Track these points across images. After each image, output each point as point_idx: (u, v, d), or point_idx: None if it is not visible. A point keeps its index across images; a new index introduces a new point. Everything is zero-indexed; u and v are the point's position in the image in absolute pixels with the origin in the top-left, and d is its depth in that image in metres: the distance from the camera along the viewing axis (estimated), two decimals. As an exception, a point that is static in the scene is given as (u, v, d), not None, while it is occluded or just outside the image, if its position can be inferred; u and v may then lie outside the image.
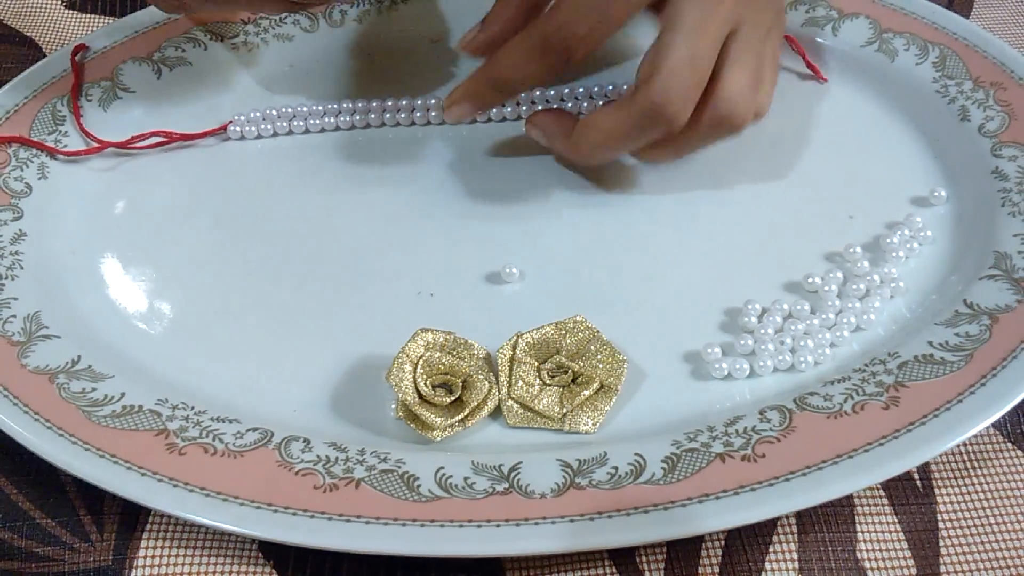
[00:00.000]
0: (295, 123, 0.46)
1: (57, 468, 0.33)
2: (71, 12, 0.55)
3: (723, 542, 0.33)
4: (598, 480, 0.32)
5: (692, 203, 0.43)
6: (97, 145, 0.45)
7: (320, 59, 0.50)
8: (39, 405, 0.34)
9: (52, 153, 0.44)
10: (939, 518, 0.34)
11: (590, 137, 0.39)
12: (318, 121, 0.47)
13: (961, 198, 0.43)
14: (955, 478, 0.35)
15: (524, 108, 0.47)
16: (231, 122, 0.46)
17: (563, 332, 0.36)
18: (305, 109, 0.47)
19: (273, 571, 0.32)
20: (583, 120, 0.40)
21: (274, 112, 0.46)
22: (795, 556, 0.33)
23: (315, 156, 0.46)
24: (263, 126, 0.46)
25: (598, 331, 0.36)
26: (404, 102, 0.47)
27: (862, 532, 0.33)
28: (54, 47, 0.52)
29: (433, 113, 0.47)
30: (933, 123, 0.46)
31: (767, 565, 0.32)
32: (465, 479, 0.32)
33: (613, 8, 0.37)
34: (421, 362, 0.35)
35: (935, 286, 0.39)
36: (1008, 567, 0.32)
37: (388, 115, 0.47)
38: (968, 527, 0.33)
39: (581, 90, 0.48)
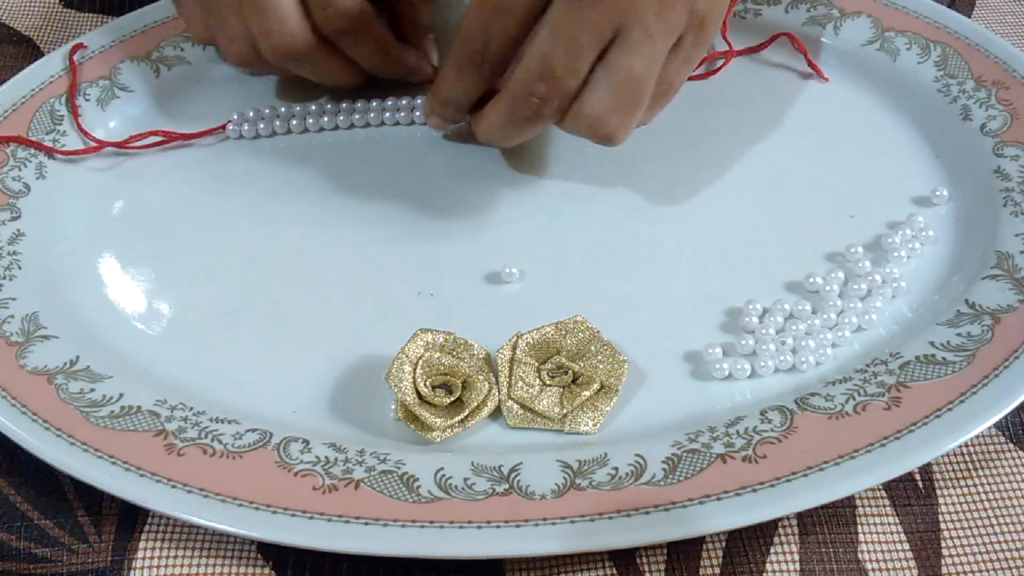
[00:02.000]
0: (293, 123, 0.46)
1: (55, 469, 0.33)
2: (69, 11, 0.55)
3: (724, 543, 0.33)
4: (598, 481, 0.32)
5: (693, 203, 0.43)
6: (95, 145, 0.44)
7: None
8: (37, 406, 0.34)
9: (50, 153, 0.44)
10: (941, 519, 0.34)
11: (484, 123, 0.40)
12: (317, 121, 0.46)
13: (963, 198, 0.42)
14: (957, 479, 0.35)
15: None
16: (230, 122, 0.46)
17: (563, 332, 0.36)
18: (304, 109, 0.47)
19: (272, 572, 0.32)
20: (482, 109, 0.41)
21: (273, 112, 0.46)
22: (796, 557, 0.32)
23: (314, 156, 0.46)
24: (261, 126, 0.46)
25: (598, 331, 0.36)
26: (404, 101, 0.47)
27: (863, 533, 0.33)
28: (52, 46, 0.52)
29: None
30: (935, 122, 0.46)
31: (768, 566, 0.32)
32: (465, 480, 0.32)
33: (502, 23, 0.37)
34: (421, 362, 0.35)
35: (937, 286, 0.39)
36: (1010, 568, 0.32)
37: (388, 114, 0.47)
38: (970, 528, 0.33)
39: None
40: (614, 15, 0.35)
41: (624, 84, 0.37)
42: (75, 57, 0.47)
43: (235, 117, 0.46)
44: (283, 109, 0.46)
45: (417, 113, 0.47)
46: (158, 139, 0.45)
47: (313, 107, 0.47)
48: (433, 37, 0.48)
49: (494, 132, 0.40)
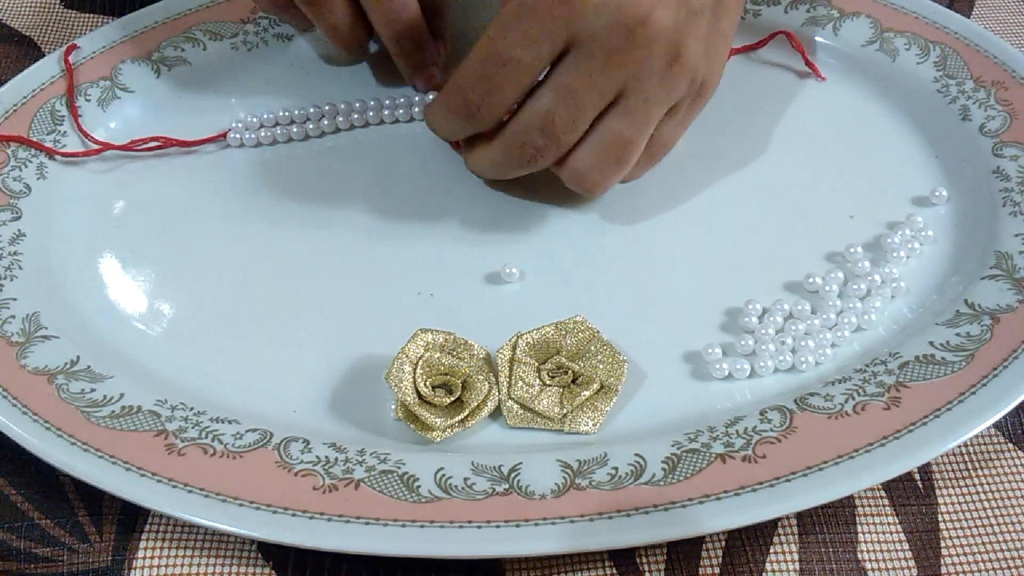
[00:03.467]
0: (294, 130, 0.46)
1: (56, 469, 0.33)
2: (70, 11, 0.55)
3: (724, 543, 0.33)
4: (598, 481, 0.32)
5: (692, 203, 0.43)
6: (97, 148, 0.44)
7: (319, 58, 0.50)
8: (38, 406, 0.34)
9: (51, 154, 0.44)
10: (940, 519, 0.34)
11: (475, 158, 0.40)
12: (316, 125, 0.46)
13: (962, 198, 0.42)
14: (956, 478, 0.35)
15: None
16: (231, 129, 0.46)
17: (563, 332, 0.36)
18: (303, 112, 0.46)
19: (272, 572, 0.32)
20: (475, 142, 0.40)
21: (273, 117, 0.46)
22: (796, 557, 0.32)
23: (314, 156, 0.46)
24: (263, 133, 0.46)
25: (598, 331, 0.36)
26: (402, 99, 0.47)
27: (863, 533, 0.33)
28: (52, 46, 0.52)
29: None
30: (934, 123, 0.46)
31: (768, 566, 0.32)
32: (465, 480, 0.32)
33: (511, 78, 0.36)
34: (421, 362, 0.35)
35: (936, 286, 0.39)
36: (1009, 567, 0.32)
37: (387, 112, 0.47)
38: (969, 528, 0.33)
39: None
40: (620, 80, 0.36)
41: (612, 147, 0.37)
42: (73, 58, 0.47)
43: (235, 124, 0.46)
44: (281, 113, 0.46)
45: (416, 110, 0.47)
46: (159, 144, 0.45)
47: (312, 110, 0.47)
48: (444, 49, 0.48)
49: (483, 168, 0.40)
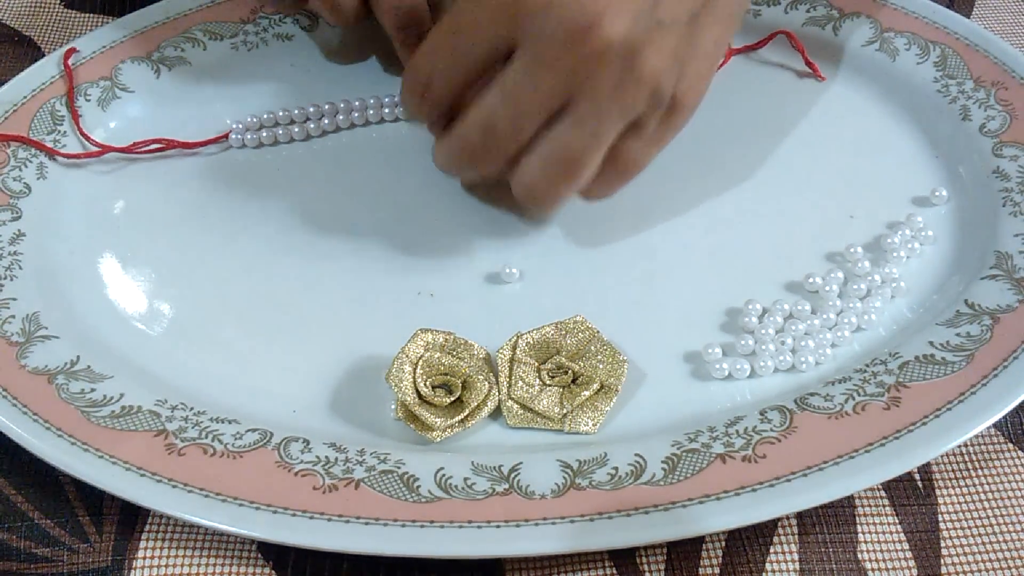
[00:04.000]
0: (295, 130, 0.46)
1: (56, 469, 0.33)
2: (70, 11, 0.55)
3: (724, 543, 0.33)
4: (598, 481, 0.32)
5: (692, 203, 0.43)
6: (97, 150, 0.44)
7: (320, 58, 0.50)
8: (38, 406, 0.34)
9: (52, 155, 0.44)
10: (940, 519, 0.34)
11: (436, 156, 0.40)
12: (317, 124, 0.46)
13: (962, 198, 0.42)
14: (956, 478, 0.35)
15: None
16: (231, 130, 0.46)
17: (563, 332, 0.36)
18: (303, 112, 0.46)
19: (272, 572, 0.32)
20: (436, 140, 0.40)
21: (272, 117, 0.46)
22: (796, 557, 0.32)
23: (314, 156, 0.46)
24: (263, 133, 0.46)
25: (598, 331, 0.36)
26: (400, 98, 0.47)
27: (863, 533, 0.33)
28: (52, 46, 0.52)
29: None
30: (934, 123, 0.46)
31: (768, 566, 0.32)
32: (465, 480, 0.32)
33: (452, 64, 0.36)
34: (421, 362, 0.35)
35: (936, 286, 0.39)
36: (1009, 568, 0.32)
37: (387, 111, 0.47)
38: (969, 528, 0.33)
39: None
40: (566, 85, 0.34)
41: (560, 158, 0.35)
42: (73, 58, 0.47)
43: (235, 126, 0.46)
44: (281, 113, 0.46)
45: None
46: (160, 146, 0.45)
47: (312, 110, 0.47)
48: None
49: (439, 162, 0.40)
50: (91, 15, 0.54)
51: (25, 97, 0.45)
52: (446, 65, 0.36)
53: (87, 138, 0.45)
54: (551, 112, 0.35)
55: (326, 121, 0.47)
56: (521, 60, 0.34)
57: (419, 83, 0.37)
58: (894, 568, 0.32)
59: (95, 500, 0.34)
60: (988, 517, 0.34)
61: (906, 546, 0.33)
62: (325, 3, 0.44)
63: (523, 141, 0.36)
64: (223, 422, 0.34)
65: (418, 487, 0.32)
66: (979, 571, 0.32)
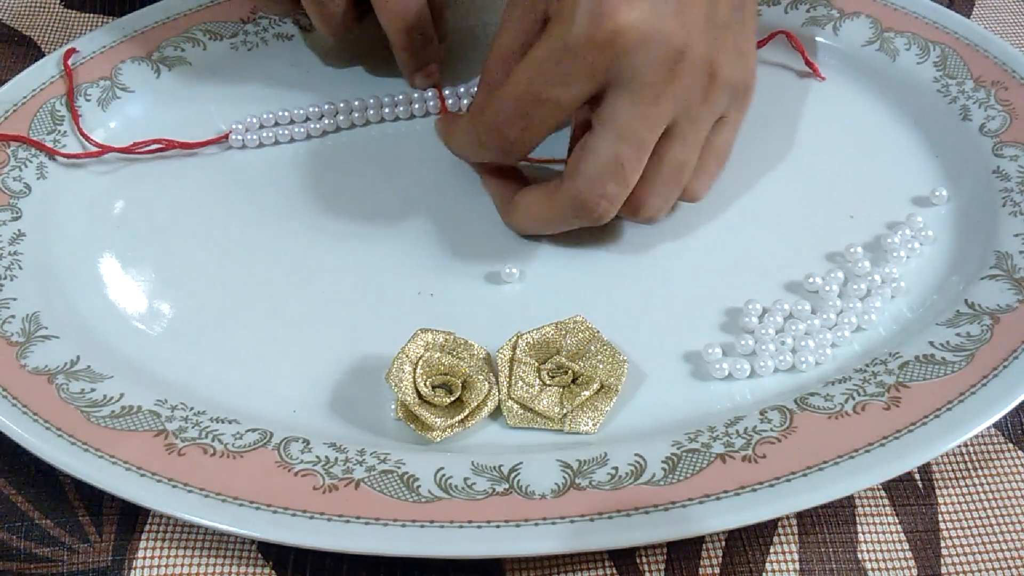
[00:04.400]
0: (296, 130, 0.46)
1: (56, 469, 0.33)
2: (70, 11, 0.55)
3: (724, 543, 0.33)
4: (598, 481, 0.32)
5: (692, 203, 0.43)
6: (97, 150, 0.44)
7: (320, 58, 0.50)
8: (38, 406, 0.34)
9: (52, 155, 0.44)
10: (940, 519, 0.34)
11: (520, 216, 0.40)
12: (317, 124, 0.46)
13: (962, 198, 0.42)
14: (956, 478, 0.35)
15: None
16: (232, 131, 0.46)
17: (563, 332, 0.36)
18: (303, 112, 0.47)
19: (272, 572, 0.32)
20: (516, 198, 0.40)
21: (273, 117, 0.46)
22: (796, 557, 0.32)
23: (314, 156, 0.46)
24: (263, 132, 0.46)
25: (598, 331, 0.36)
26: (401, 97, 0.47)
27: (863, 533, 0.33)
28: (52, 46, 0.52)
29: (431, 103, 0.47)
30: (934, 123, 0.46)
31: (768, 566, 0.32)
32: (465, 480, 0.32)
33: (546, 116, 0.36)
34: (421, 362, 0.35)
35: (936, 286, 0.39)
36: (1009, 568, 0.32)
37: (387, 111, 0.47)
38: (969, 528, 0.33)
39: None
40: (670, 110, 0.36)
41: (670, 174, 0.37)
42: (73, 58, 0.47)
43: (236, 126, 0.46)
44: (282, 113, 0.46)
45: (416, 107, 0.47)
46: (160, 146, 0.45)
47: (312, 110, 0.47)
48: (442, 48, 0.48)
49: (532, 224, 0.40)
50: (91, 15, 0.54)
51: (25, 97, 0.45)
52: (539, 117, 0.36)
53: (87, 138, 0.45)
54: (657, 140, 0.37)
55: (326, 121, 0.47)
56: (625, 97, 0.35)
57: (505, 138, 0.37)
58: (894, 568, 0.32)
59: (95, 500, 0.34)
60: (988, 517, 0.34)
61: (906, 546, 0.33)
62: (315, 10, 0.44)
63: (641, 172, 0.37)
64: (223, 422, 0.34)
65: (418, 487, 0.32)
66: (979, 571, 0.32)
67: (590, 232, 0.42)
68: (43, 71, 0.47)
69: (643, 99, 0.35)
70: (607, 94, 0.36)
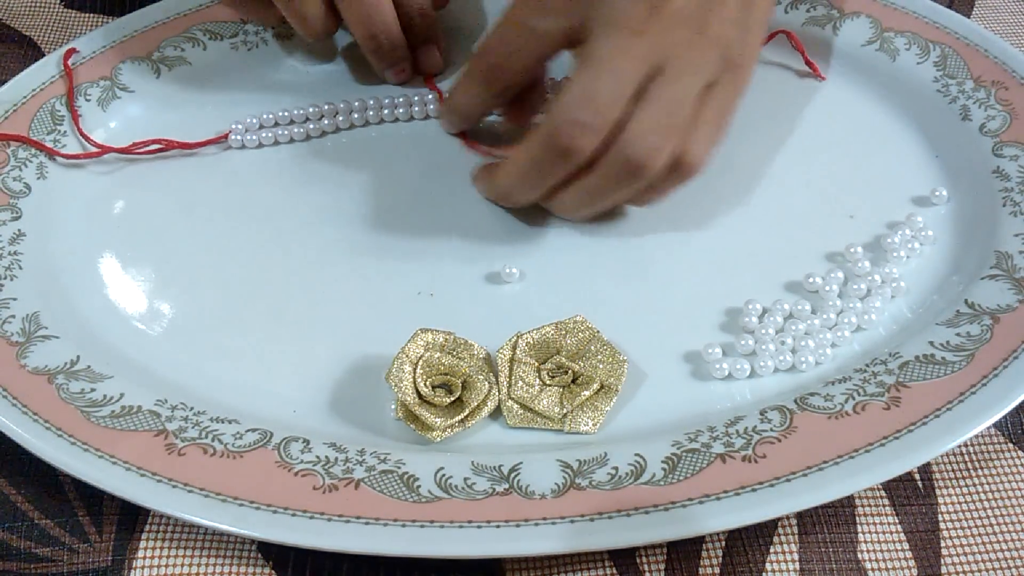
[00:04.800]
0: (296, 130, 0.46)
1: (56, 469, 0.33)
2: (70, 11, 0.55)
3: (724, 543, 0.33)
4: (598, 480, 0.32)
5: (692, 203, 0.43)
6: (97, 151, 0.44)
7: (320, 58, 0.50)
8: (38, 405, 0.34)
9: (52, 155, 0.44)
10: (940, 518, 0.34)
11: (505, 173, 0.40)
12: (317, 124, 0.46)
13: (962, 198, 0.42)
14: (956, 478, 0.35)
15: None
16: (231, 131, 0.46)
17: (563, 332, 0.36)
18: (303, 112, 0.47)
19: (272, 571, 0.32)
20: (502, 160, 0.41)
21: (273, 117, 0.46)
22: (796, 557, 0.32)
23: (314, 157, 0.46)
24: (264, 134, 0.46)
25: (598, 331, 0.36)
26: (401, 99, 0.47)
27: (863, 532, 0.33)
28: (52, 46, 0.52)
29: (431, 106, 0.47)
30: (934, 122, 0.46)
31: (768, 566, 0.32)
32: (465, 479, 0.32)
33: (526, 43, 0.39)
34: (421, 362, 0.35)
35: (936, 286, 0.39)
36: (1009, 567, 0.32)
37: (387, 111, 0.47)
38: (969, 527, 0.33)
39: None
40: (654, 50, 0.36)
41: (664, 110, 0.36)
42: (73, 58, 0.47)
43: (235, 126, 0.46)
44: (281, 113, 0.46)
45: (416, 108, 0.47)
46: (160, 147, 0.45)
47: (312, 110, 0.47)
48: (437, 50, 0.49)
49: (516, 178, 0.39)
50: (91, 15, 0.54)
51: (25, 97, 0.45)
52: (527, 41, 0.39)
53: (87, 138, 0.45)
54: (642, 78, 0.36)
55: (326, 121, 0.47)
56: (604, 34, 0.36)
57: (493, 65, 0.40)
58: (894, 568, 0.32)
59: (95, 500, 0.34)
60: (988, 517, 0.34)
61: (906, 546, 0.33)
62: (294, 17, 0.45)
63: (622, 108, 0.36)
64: (223, 422, 0.34)
65: (418, 487, 0.32)
66: (979, 571, 0.32)
67: (590, 232, 0.42)
68: (43, 71, 0.47)
69: (621, 34, 0.36)
70: (588, 36, 0.37)
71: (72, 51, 0.47)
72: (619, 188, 0.38)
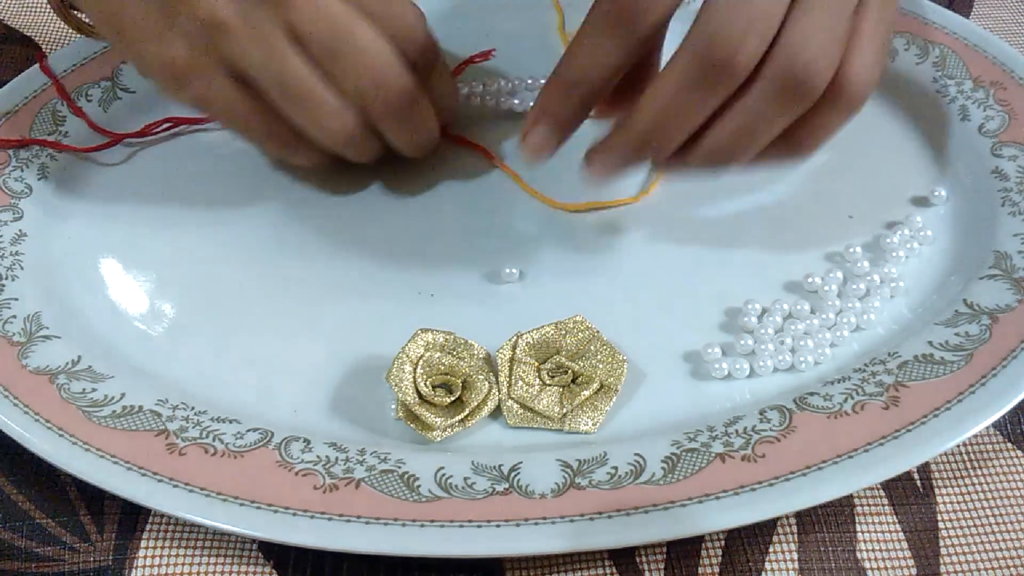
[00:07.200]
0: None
1: (57, 468, 0.33)
2: (71, 12, 0.55)
3: (723, 542, 0.33)
4: (598, 480, 0.32)
5: (691, 203, 0.43)
6: (110, 140, 0.44)
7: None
8: (39, 405, 0.34)
9: (60, 149, 0.44)
10: (939, 518, 0.34)
11: (648, 109, 0.34)
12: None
13: (961, 198, 0.42)
14: (955, 478, 0.35)
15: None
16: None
17: (563, 332, 0.36)
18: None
19: (273, 571, 0.32)
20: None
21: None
22: (795, 556, 0.33)
23: (315, 156, 0.46)
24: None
25: (598, 331, 0.36)
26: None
27: (862, 532, 0.33)
28: (54, 47, 0.52)
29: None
30: (933, 123, 0.46)
31: (767, 565, 0.32)
32: (465, 479, 0.32)
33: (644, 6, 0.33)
34: (421, 362, 0.35)
35: (935, 286, 0.39)
36: (1008, 567, 0.32)
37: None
38: (968, 527, 0.33)
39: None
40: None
41: (826, 12, 0.32)
42: (74, 59, 0.47)
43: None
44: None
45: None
46: (169, 125, 0.45)
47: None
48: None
49: (663, 110, 0.34)
50: (92, 15, 0.54)
51: (26, 98, 0.45)
52: (605, 60, 0.34)
53: (94, 127, 0.45)
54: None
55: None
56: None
57: (571, 80, 0.35)
58: (893, 568, 0.32)
59: (96, 499, 0.34)
60: (987, 517, 0.34)
61: (905, 546, 0.33)
62: (406, 141, 0.42)
63: (782, 12, 0.32)
64: (224, 422, 0.34)
65: (418, 487, 0.32)
66: (978, 570, 0.32)
67: (590, 232, 0.42)
68: (42, 73, 0.47)
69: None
70: None
71: (42, 55, 0.47)
72: (780, 112, 0.33)
